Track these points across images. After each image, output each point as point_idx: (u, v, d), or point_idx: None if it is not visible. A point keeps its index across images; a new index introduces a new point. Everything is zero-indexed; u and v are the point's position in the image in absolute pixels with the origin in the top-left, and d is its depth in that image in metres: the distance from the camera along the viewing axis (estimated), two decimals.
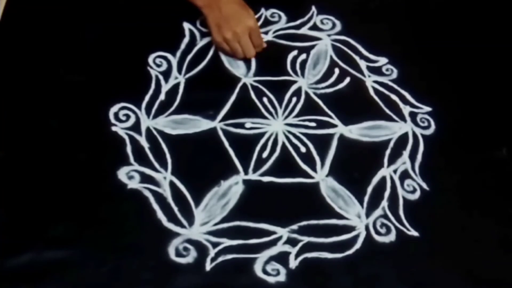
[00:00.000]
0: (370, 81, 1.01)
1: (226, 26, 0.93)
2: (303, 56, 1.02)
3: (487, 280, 0.84)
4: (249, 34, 0.95)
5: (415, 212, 0.88)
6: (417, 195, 0.90)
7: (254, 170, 0.88)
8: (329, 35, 1.06)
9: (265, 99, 0.96)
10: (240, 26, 0.93)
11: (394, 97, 1.00)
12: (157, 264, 0.78)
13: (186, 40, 1.00)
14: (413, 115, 0.98)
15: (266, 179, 0.88)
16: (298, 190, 0.88)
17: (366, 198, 0.88)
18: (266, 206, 0.85)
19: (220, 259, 0.80)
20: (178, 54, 0.98)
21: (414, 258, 0.84)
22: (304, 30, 1.05)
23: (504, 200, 0.92)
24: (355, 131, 0.95)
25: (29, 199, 0.80)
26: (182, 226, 0.82)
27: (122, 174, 0.84)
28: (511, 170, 0.95)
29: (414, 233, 0.86)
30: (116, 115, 0.90)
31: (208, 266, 0.79)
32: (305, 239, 0.83)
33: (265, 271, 0.80)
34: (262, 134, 0.92)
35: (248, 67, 0.99)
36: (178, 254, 0.79)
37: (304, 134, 0.93)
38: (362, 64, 1.03)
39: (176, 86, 0.94)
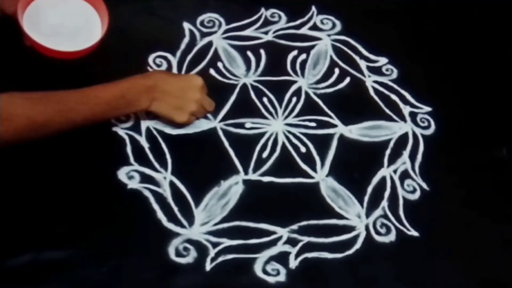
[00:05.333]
0: (370, 81, 1.01)
1: (183, 102, 0.86)
2: (303, 56, 1.02)
3: (487, 280, 0.84)
4: (202, 90, 0.88)
5: (415, 212, 0.88)
6: (417, 195, 0.90)
7: (254, 170, 0.88)
8: (329, 35, 1.06)
9: (265, 99, 0.96)
10: (194, 92, 0.86)
11: (394, 97, 1.00)
12: (157, 264, 0.78)
13: (186, 40, 1.00)
14: (413, 115, 0.99)
15: (266, 179, 0.88)
16: (298, 190, 0.88)
17: (366, 198, 0.88)
18: (266, 206, 0.86)
19: (220, 259, 0.80)
20: (178, 54, 0.98)
21: (414, 258, 0.85)
22: (304, 30, 1.05)
23: (504, 200, 0.92)
24: (355, 131, 0.95)
25: (29, 199, 0.80)
26: (182, 226, 0.82)
27: (122, 174, 0.84)
28: (511, 170, 0.95)
29: (414, 233, 0.86)
30: None
31: (208, 266, 0.79)
32: (305, 239, 0.83)
33: (265, 271, 0.80)
34: (262, 134, 0.92)
35: (248, 67, 0.99)
36: (178, 254, 0.79)
37: (304, 134, 0.93)
38: (362, 64, 1.03)
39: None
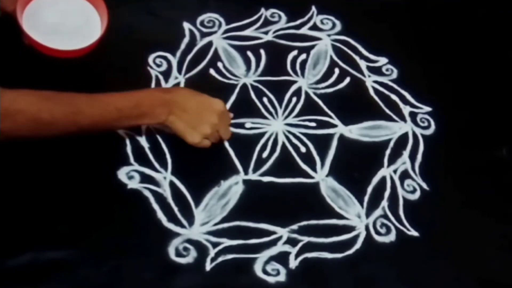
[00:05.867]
0: (370, 81, 1.01)
1: (198, 123, 0.84)
2: (303, 56, 1.02)
3: (487, 280, 0.84)
4: (221, 116, 0.86)
5: (415, 212, 0.88)
6: (417, 195, 0.90)
7: (254, 170, 0.88)
8: (329, 35, 1.06)
9: (265, 99, 0.96)
10: (212, 115, 0.84)
11: (394, 97, 1.00)
12: (157, 264, 0.78)
13: (186, 40, 1.00)
14: (413, 115, 0.99)
15: (266, 179, 0.88)
16: (298, 190, 0.88)
17: (366, 198, 0.88)
18: (266, 206, 0.86)
19: (220, 259, 0.80)
20: (178, 54, 0.98)
21: (414, 258, 0.84)
22: (304, 30, 1.05)
23: (504, 200, 0.92)
24: (355, 131, 0.95)
25: (29, 199, 0.80)
26: (182, 226, 0.82)
27: (122, 174, 0.84)
28: (511, 170, 0.95)
29: (414, 233, 0.86)
30: None
31: (208, 266, 0.79)
32: (305, 239, 0.83)
33: (265, 271, 0.80)
34: (262, 134, 0.92)
35: (248, 67, 0.99)
36: (178, 254, 0.79)
37: (304, 134, 0.93)
38: (362, 64, 1.03)
39: (176, 86, 0.94)
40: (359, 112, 0.97)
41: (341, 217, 0.86)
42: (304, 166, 0.90)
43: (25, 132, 0.72)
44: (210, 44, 1.00)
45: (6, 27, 0.84)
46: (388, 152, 0.94)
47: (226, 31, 1.02)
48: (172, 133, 0.86)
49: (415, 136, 0.96)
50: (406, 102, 1.00)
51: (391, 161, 0.93)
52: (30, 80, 0.87)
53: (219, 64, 0.98)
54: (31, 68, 0.88)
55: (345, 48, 1.04)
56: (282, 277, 0.80)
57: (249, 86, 0.97)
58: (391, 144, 0.95)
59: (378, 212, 0.87)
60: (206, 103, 0.85)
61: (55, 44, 0.82)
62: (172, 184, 0.85)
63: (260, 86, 0.97)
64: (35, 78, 0.87)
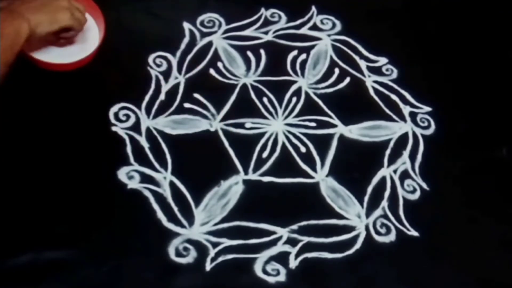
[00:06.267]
0: (370, 81, 1.01)
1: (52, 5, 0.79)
2: (303, 56, 1.02)
3: (487, 280, 0.84)
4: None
5: (415, 212, 0.88)
6: (417, 195, 0.90)
7: (254, 170, 0.88)
8: (329, 35, 1.06)
9: (265, 99, 0.96)
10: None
11: (394, 97, 1.00)
12: (157, 264, 0.78)
13: (186, 40, 1.00)
14: (413, 115, 0.99)
15: (266, 179, 0.88)
16: (298, 190, 0.88)
17: (366, 198, 0.88)
18: (266, 206, 0.86)
19: (220, 259, 0.80)
20: (178, 54, 0.98)
21: (414, 258, 0.85)
22: (304, 30, 1.05)
23: (504, 200, 0.92)
24: (355, 131, 0.95)
25: (29, 199, 0.80)
26: (182, 226, 0.82)
27: (122, 174, 0.84)
28: (511, 170, 0.95)
29: (414, 233, 0.86)
30: (116, 115, 0.90)
31: (208, 266, 0.79)
32: (305, 239, 0.83)
33: (265, 271, 0.80)
34: (262, 134, 0.92)
35: (248, 67, 0.99)
36: (178, 254, 0.79)
37: (304, 134, 0.93)
38: (362, 64, 1.03)
39: (176, 86, 0.94)
40: (359, 112, 0.97)
41: (341, 217, 0.86)
42: (304, 166, 0.90)
43: None
44: (210, 44, 1.00)
45: None
46: (388, 152, 0.94)
47: (226, 31, 1.02)
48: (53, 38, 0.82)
49: (415, 136, 0.96)
50: (406, 102, 1.00)
51: (391, 161, 0.93)
52: (29, 80, 0.87)
53: (219, 64, 0.98)
54: (30, 68, 0.88)
55: (345, 48, 1.04)
56: (282, 277, 0.80)
57: (249, 86, 0.97)
58: (391, 144, 0.95)
59: (378, 212, 0.87)
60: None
61: (50, 58, 0.81)
62: (172, 184, 0.85)
63: (260, 86, 0.97)
64: (35, 78, 0.87)
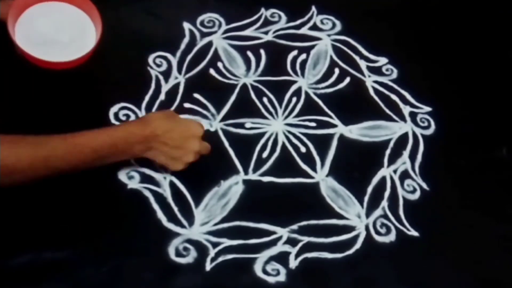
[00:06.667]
0: (370, 81, 1.01)
1: (182, 154, 0.80)
2: (303, 56, 1.02)
3: (487, 280, 0.84)
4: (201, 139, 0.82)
5: (415, 212, 0.88)
6: (417, 195, 0.90)
7: (254, 170, 0.88)
8: (329, 35, 1.06)
9: (265, 99, 0.96)
10: (194, 142, 0.80)
11: (394, 97, 1.00)
12: (157, 264, 0.78)
13: (186, 40, 1.00)
14: (413, 115, 0.99)
15: (266, 179, 0.88)
16: (298, 190, 0.88)
17: (366, 198, 0.88)
18: (266, 206, 0.86)
19: (220, 259, 0.80)
20: (178, 54, 0.98)
21: (414, 258, 0.85)
22: (304, 30, 1.05)
23: (504, 200, 0.92)
24: (355, 131, 0.95)
25: (29, 199, 0.80)
26: (182, 226, 0.82)
27: (122, 174, 0.84)
28: (511, 170, 0.95)
29: (414, 233, 0.86)
30: (116, 115, 0.90)
31: (208, 266, 0.79)
32: (305, 239, 0.83)
33: (265, 271, 0.80)
34: (262, 134, 0.92)
35: (248, 67, 0.99)
36: (178, 254, 0.79)
37: (304, 134, 0.93)
38: (362, 64, 1.03)
39: (176, 86, 0.94)
40: (359, 112, 0.97)
41: (341, 217, 0.86)
42: (304, 166, 0.90)
43: None
44: (210, 44, 1.00)
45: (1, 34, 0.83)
46: (388, 152, 0.94)
47: (226, 31, 1.02)
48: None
49: (415, 136, 0.96)
50: (406, 102, 1.00)
51: (391, 161, 0.93)
52: (29, 79, 0.87)
53: (219, 64, 0.98)
54: (29, 68, 0.88)
55: (345, 48, 1.04)
56: (282, 277, 0.80)
57: (249, 86, 0.97)
58: (391, 144, 0.95)
59: (378, 212, 0.87)
60: (186, 132, 0.80)
61: (48, 56, 0.80)
62: (172, 184, 0.85)
63: (260, 86, 0.97)
64: (34, 78, 0.86)
